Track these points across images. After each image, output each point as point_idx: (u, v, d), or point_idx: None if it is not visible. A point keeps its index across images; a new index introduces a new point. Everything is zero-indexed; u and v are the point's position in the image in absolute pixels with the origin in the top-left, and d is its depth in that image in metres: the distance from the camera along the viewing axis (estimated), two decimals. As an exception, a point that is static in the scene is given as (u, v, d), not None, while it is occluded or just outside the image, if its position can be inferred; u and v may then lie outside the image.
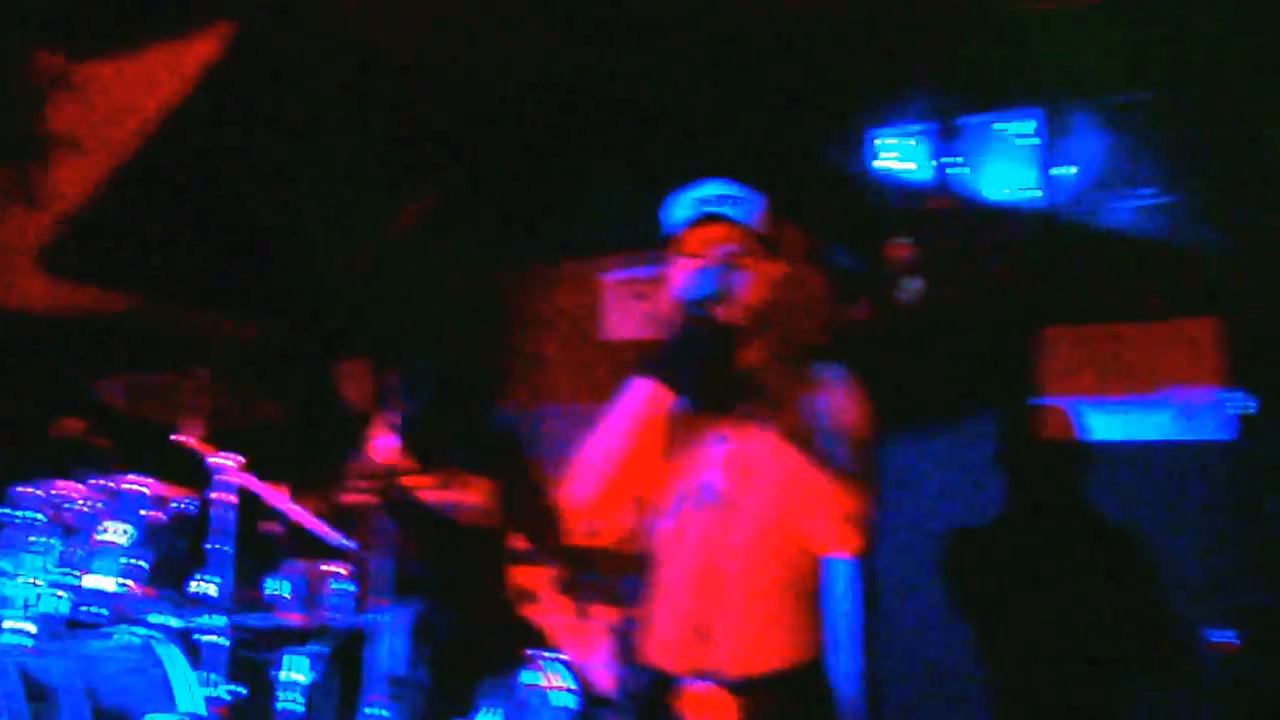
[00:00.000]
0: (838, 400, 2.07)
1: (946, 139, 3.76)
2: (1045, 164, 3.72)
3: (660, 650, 2.08)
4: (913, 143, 3.81)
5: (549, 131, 4.35)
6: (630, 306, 4.48)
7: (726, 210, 2.06)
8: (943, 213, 3.76)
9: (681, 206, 2.11)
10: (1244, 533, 3.52)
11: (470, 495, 3.77)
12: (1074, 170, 3.71)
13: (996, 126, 3.75)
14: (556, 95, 4.19)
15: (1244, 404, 3.57)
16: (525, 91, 4.22)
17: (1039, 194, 3.73)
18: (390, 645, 3.36)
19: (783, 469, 1.94)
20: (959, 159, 3.77)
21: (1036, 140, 3.73)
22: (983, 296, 3.76)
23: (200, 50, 3.72)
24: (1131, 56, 3.48)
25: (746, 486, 2.01)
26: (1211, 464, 3.54)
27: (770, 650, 1.99)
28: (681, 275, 2.05)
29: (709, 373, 1.90)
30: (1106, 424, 3.68)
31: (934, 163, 3.80)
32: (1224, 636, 3.37)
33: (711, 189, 2.11)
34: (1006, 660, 3.60)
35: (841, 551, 1.96)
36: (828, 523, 1.92)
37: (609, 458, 1.99)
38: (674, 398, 1.95)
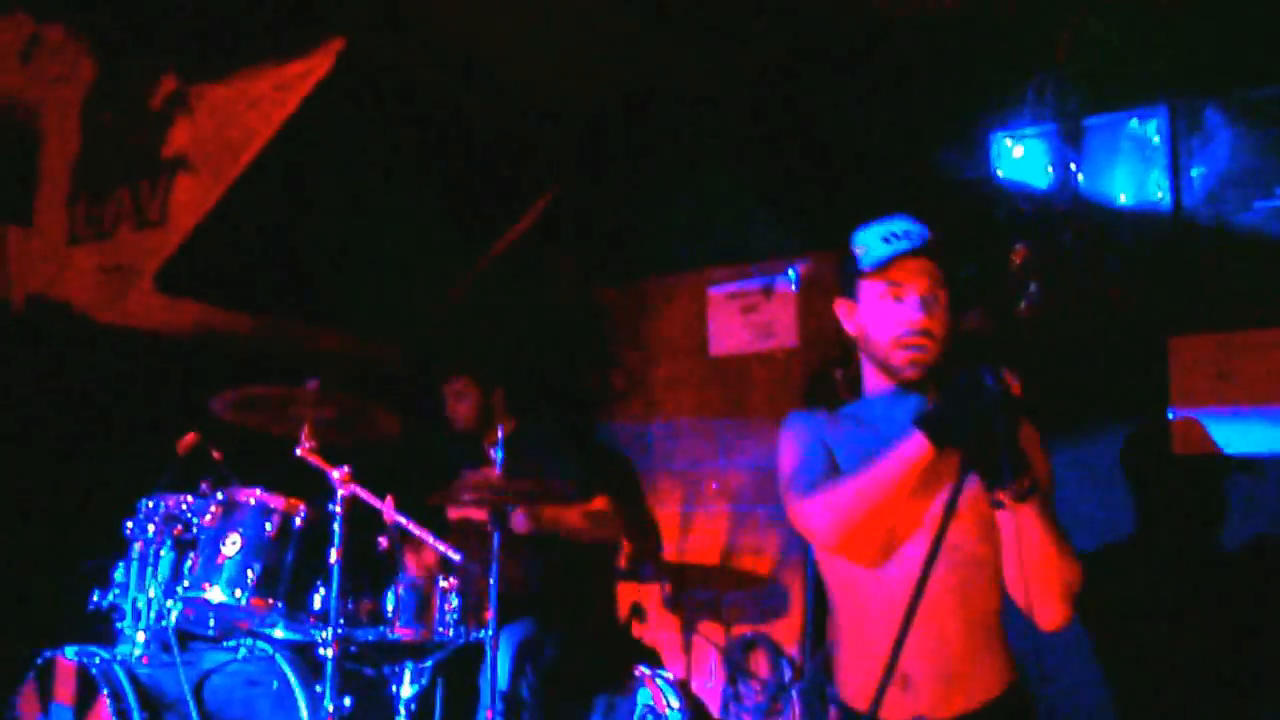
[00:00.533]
0: (1037, 459, 2.05)
1: (1070, 140, 3.62)
2: (1173, 164, 3.55)
3: (858, 694, 2.08)
4: (1035, 145, 3.69)
5: (652, 143, 4.32)
6: (737, 320, 4.41)
7: (934, 244, 2.07)
8: (1066, 217, 3.62)
9: (881, 240, 2.09)
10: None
11: (584, 509, 3.73)
12: (1203, 170, 3.54)
13: (1122, 126, 3.60)
14: (661, 105, 4.16)
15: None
16: (628, 101, 4.20)
17: (1166, 196, 3.56)
18: (500, 662, 3.33)
19: (1033, 542, 1.94)
20: (1083, 161, 3.63)
21: (1163, 139, 3.57)
22: (1107, 304, 3.60)
23: (311, 69, 3.77)
24: (1262, 48, 3.31)
25: (985, 547, 2.03)
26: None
27: (978, 685, 2.01)
28: (885, 310, 2.08)
29: (992, 443, 1.84)
30: (1238, 436, 3.49)
31: (1057, 165, 3.66)
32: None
33: (906, 223, 2.10)
34: (1139, 684, 3.43)
35: (1050, 622, 2.00)
36: (1050, 595, 1.97)
37: (872, 500, 1.97)
38: (942, 455, 1.92)
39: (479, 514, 3.66)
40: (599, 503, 3.94)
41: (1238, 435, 3.49)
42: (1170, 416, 3.55)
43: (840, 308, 2.20)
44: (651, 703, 3.57)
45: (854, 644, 2.11)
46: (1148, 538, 3.52)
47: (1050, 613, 1.99)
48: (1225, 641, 3.33)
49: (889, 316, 2.08)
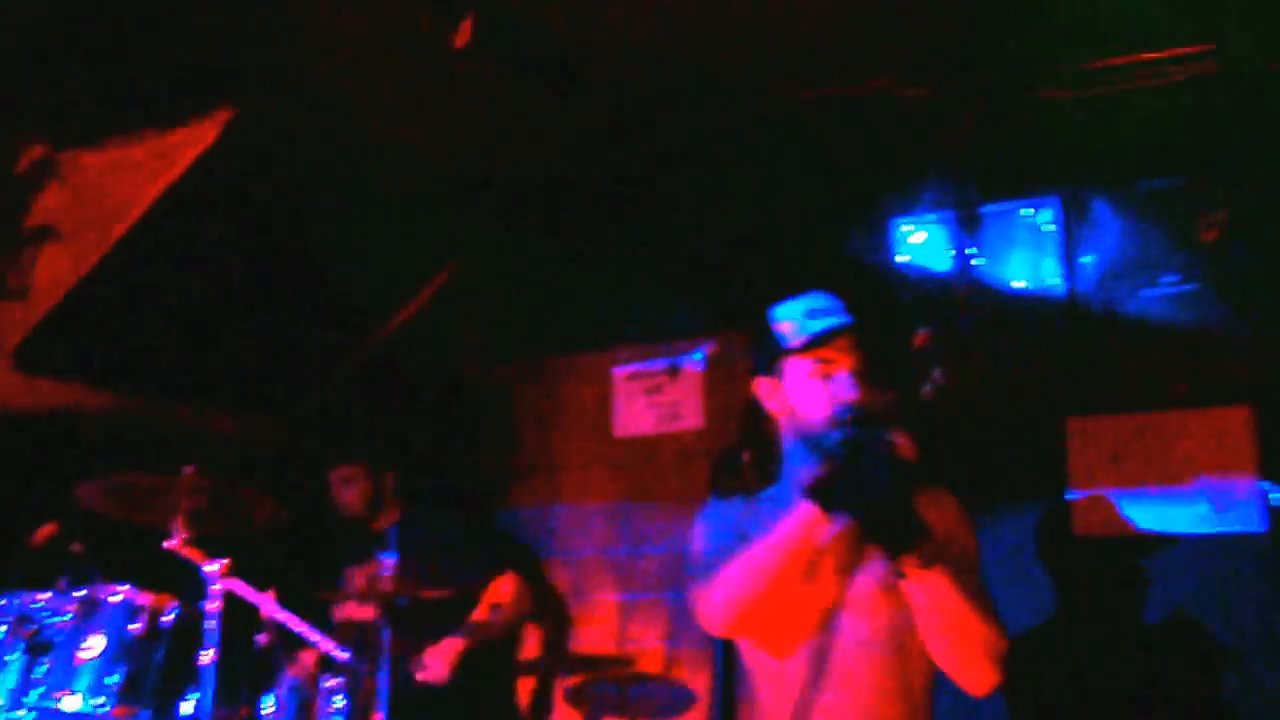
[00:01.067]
0: (954, 524, 2.03)
1: (968, 228, 3.70)
2: (1068, 252, 3.66)
3: None
4: (935, 231, 3.75)
5: (557, 222, 4.26)
6: (642, 401, 4.33)
7: (854, 327, 2.04)
8: (965, 302, 3.68)
9: (806, 315, 2.06)
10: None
11: (482, 599, 3.55)
12: (1094, 258, 3.65)
13: (1018, 214, 3.69)
14: (567, 185, 4.11)
15: (1276, 494, 3.47)
16: (531, 179, 4.13)
17: (1061, 282, 3.65)
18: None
19: (942, 609, 1.87)
20: (981, 247, 3.70)
21: (1057, 228, 3.68)
22: (1007, 387, 3.65)
23: (195, 138, 3.60)
24: (1154, 143, 3.46)
25: (894, 620, 1.96)
26: (1245, 557, 3.42)
27: None
28: (813, 389, 2.03)
29: (886, 508, 1.79)
30: (1133, 516, 3.56)
31: (956, 252, 3.72)
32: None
33: (826, 300, 2.09)
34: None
35: (979, 687, 1.93)
36: (974, 661, 1.90)
37: (762, 578, 1.90)
38: (837, 527, 1.87)
39: (370, 612, 3.44)
40: (506, 583, 3.75)
41: (1133, 515, 3.55)
42: (1069, 497, 3.59)
43: (762, 386, 2.14)
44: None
45: None
46: (1054, 615, 3.52)
47: (977, 677, 1.92)
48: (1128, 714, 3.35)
49: (821, 394, 2.02)
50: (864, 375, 2.03)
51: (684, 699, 3.63)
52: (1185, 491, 3.53)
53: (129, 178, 3.68)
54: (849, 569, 2.00)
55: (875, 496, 1.77)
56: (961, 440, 3.62)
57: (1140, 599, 3.47)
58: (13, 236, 3.81)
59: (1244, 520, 3.49)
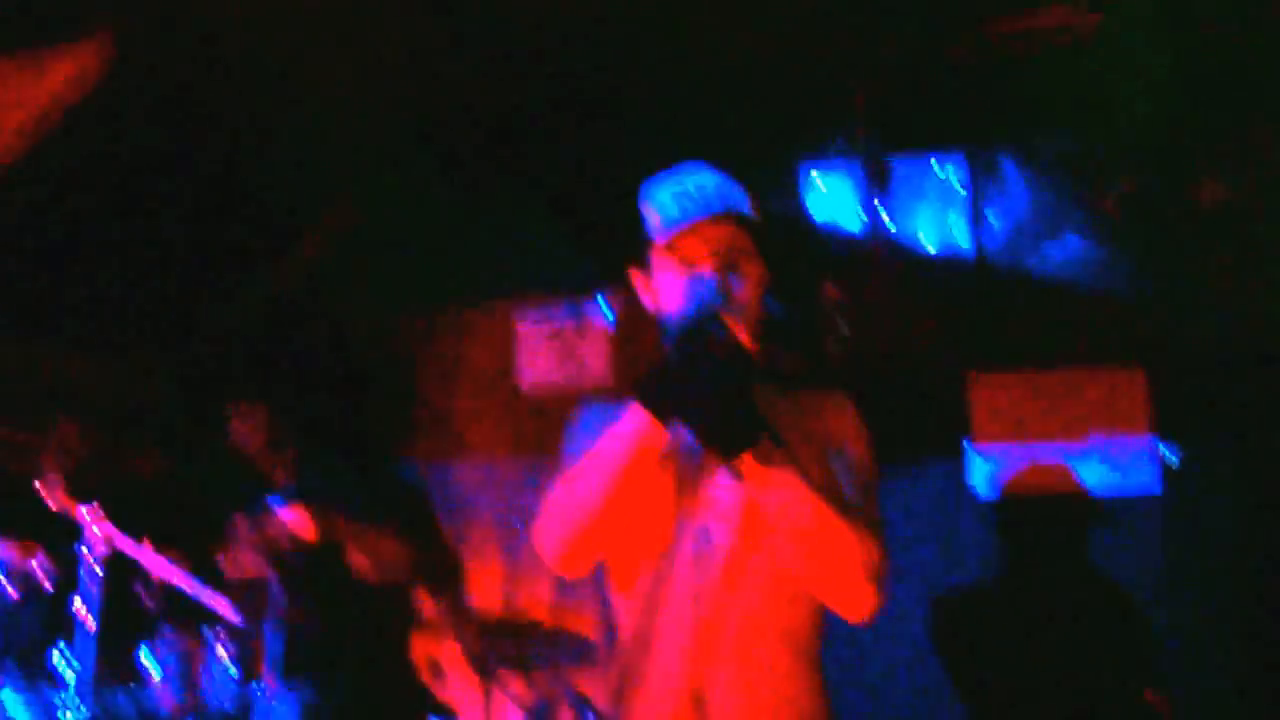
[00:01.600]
0: (841, 432, 1.80)
1: (877, 182, 3.68)
2: (973, 209, 3.68)
3: (650, 718, 1.79)
4: (843, 183, 3.73)
5: (457, 167, 4.13)
6: (546, 352, 4.25)
7: (733, 206, 1.72)
8: (873, 257, 3.67)
9: (670, 201, 1.75)
10: (1169, 588, 3.49)
11: (378, 553, 3.42)
12: (1001, 216, 3.69)
13: (926, 168, 3.70)
14: (464, 128, 3.98)
15: (1169, 455, 3.57)
16: (428, 124, 3.99)
17: (967, 240, 3.68)
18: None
19: (797, 518, 1.64)
20: (889, 202, 3.70)
21: (965, 186, 3.70)
22: (911, 342, 3.67)
23: (71, 63, 3.38)
24: (1062, 106, 3.48)
25: (753, 537, 1.73)
26: (1139, 516, 3.51)
27: (784, 711, 1.75)
28: (676, 285, 1.73)
29: (719, 405, 1.55)
30: (1036, 473, 3.61)
31: (865, 206, 3.72)
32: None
33: (703, 178, 1.77)
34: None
35: (856, 611, 1.69)
36: (844, 578, 1.66)
37: (589, 499, 1.66)
38: (670, 433, 1.62)
39: (259, 566, 3.29)
40: (387, 545, 3.62)
41: (1031, 472, 3.60)
42: (969, 454, 3.63)
43: (636, 279, 1.86)
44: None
45: (641, 674, 1.80)
46: (952, 572, 3.58)
47: (848, 596, 1.67)
48: (1026, 671, 3.40)
49: (681, 292, 1.71)
50: (742, 274, 1.74)
51: (584, 658, 3.59)
52: (1082, 449, 3.60)
53: (3, 104, 3.46)
54: (694, 485, 1.76)
55: (707, 393, 1.54)
56: (864, 394, 3.63)
57: (1041, 553, 3.51)
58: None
59: (1139, 479, 3.58)
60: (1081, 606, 3.31)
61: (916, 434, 3.66)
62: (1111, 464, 3.61)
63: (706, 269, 1.70)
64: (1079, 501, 3.54)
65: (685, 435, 1.60)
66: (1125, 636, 3.30)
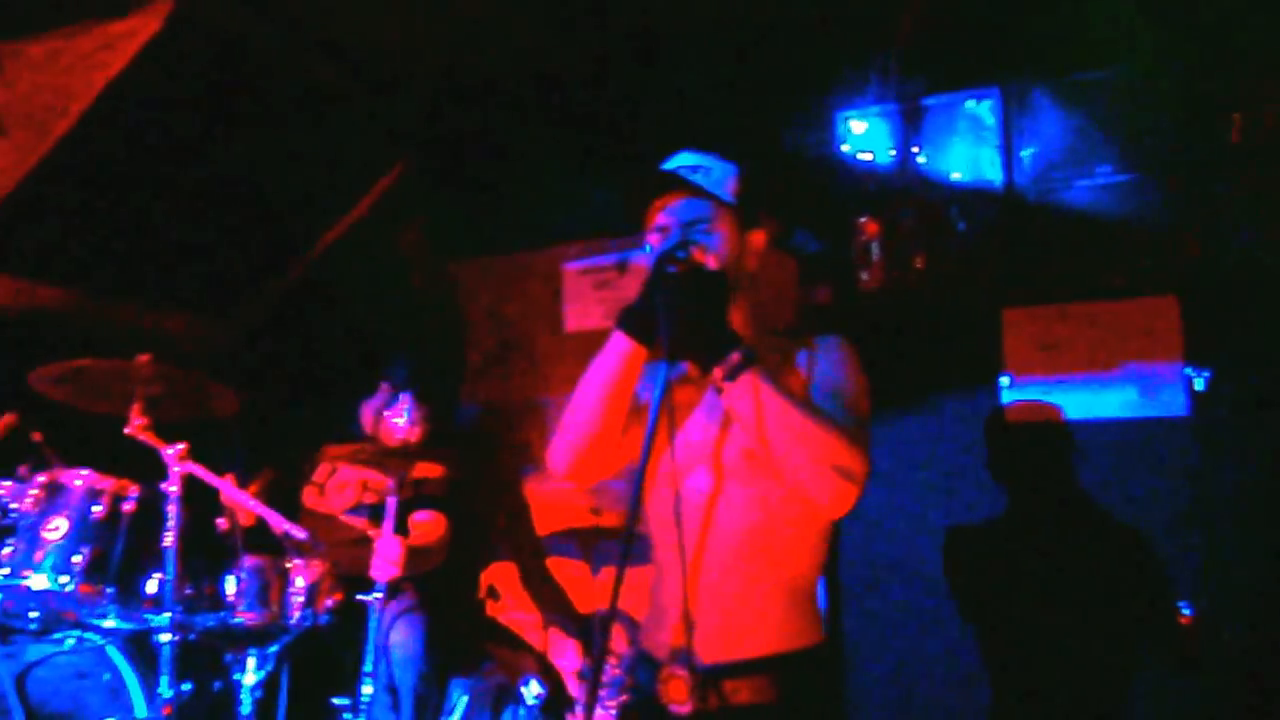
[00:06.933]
0: (832, 361, 2.01)
1: (909, 120, 3.75)
2: (1005, 144, 3.72)
3: (650, 635, 2.02)
4: (877, 123, 3.80)
5: (503, 118, 4.25)
6: (592, 296, 4.39)
7: (694, 178, 1.98)
8: (906, 194, 3.74)
9: (650, 180, 2.04)
10: (1200, 509, 3.54)
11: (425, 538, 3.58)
12: (1033, 150, 3.72)
13: (959, 107, 3.75)
14: (514, 81, 4.10)
15: (1200, 378, 3.61)
16: (477, 76, 4.12)
17: (999, 175, 3.73)
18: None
19: (776, 424, 1.80)
20: (922, 140, 3.76)
21: (995, 120, 3.74)
22: (944, 278, 3.74)
23: (137, 28, 3.54)
24: (1091, 36, 3.50)
25: (738, 450, 1.94)
26: (1171, 440, 3.57)
27: (750, 639, 1.91)
28: (653, 241, 2.02)
29: (691, 323, 1.78)
30: (1069, 402, 3.69)
31: (897, 144, 3.78)
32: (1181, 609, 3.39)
33: (681, 159, 2.05)
34: (997, 650, 3.57)
35: (833, 507, 1.84)
36: (819, 475, 1.80)
37: (585, 412, 1.93)
38: (650, 352, 1.87)
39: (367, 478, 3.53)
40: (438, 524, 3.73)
41: (1065, 402, 3.68)
42: (1003, 386, 3.72)
43: (648, 240, 2.11)
44: (509, 682, 3.51)
45: (654, 592, 2.05)
46: (986, 503, 3.66)
47: (824, 488, 1.80)
48: (1064, 599, 3.49)
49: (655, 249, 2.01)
50: (703, 229, 1.95)
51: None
52: (1114, 378, 3.66)
53: (72, 71, 3.62)
54: (684, 406, 2.01)
55: (674, 312, 1.76)
56: (899, 331, 3.74)
57: (1072, 481, 3.61)
58: (-46, 133, 3.74)
59: (1169, 404, 3.64)
60: (1114, 532, 3.40)
61: (950, 367, 3.76)
62: (1142, 390, 3.67)
63: (672, 228, 1.98)
64: (1110, 429, 3.61)
65: (666, 357, 1.82)
66: (1155, 560, 3.40)
